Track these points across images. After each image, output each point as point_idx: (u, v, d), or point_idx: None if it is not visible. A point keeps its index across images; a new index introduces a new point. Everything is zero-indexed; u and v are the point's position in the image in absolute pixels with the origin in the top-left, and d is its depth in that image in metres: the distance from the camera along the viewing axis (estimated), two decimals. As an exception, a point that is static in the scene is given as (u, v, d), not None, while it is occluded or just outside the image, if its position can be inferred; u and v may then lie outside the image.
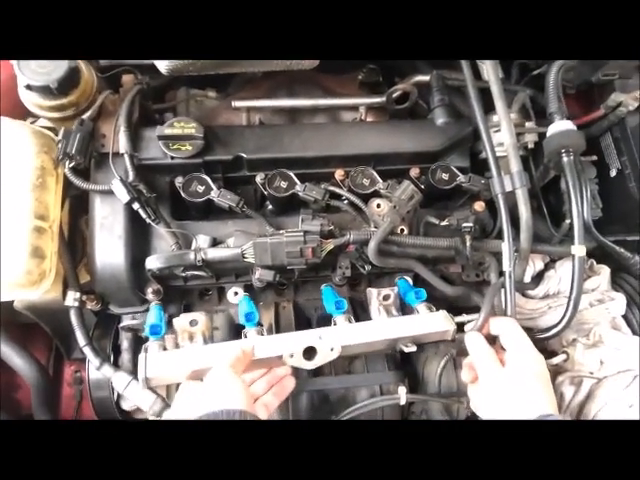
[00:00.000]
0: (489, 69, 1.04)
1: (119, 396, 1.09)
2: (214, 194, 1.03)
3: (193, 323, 1.00)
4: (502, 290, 1.01)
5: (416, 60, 1.31)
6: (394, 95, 1.19)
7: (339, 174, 1.10)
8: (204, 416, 0.73)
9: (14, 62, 0.93)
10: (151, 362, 0.88)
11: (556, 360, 1.06)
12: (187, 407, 0.80)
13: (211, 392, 0.79)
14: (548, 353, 1.12)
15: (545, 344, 1.10)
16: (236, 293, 1.10)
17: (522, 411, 0.79)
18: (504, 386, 0.84)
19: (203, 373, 0.86)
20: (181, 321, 1.00)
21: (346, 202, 1.08)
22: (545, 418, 0.76)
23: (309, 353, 0.91)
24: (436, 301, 1.05)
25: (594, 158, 1.20)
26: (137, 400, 1.02)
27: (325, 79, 1.33)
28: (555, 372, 1.07)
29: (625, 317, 1.15)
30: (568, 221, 1.14)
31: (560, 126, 1.04)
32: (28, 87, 0.95)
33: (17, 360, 1.10)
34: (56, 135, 1.03)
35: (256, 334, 0.96)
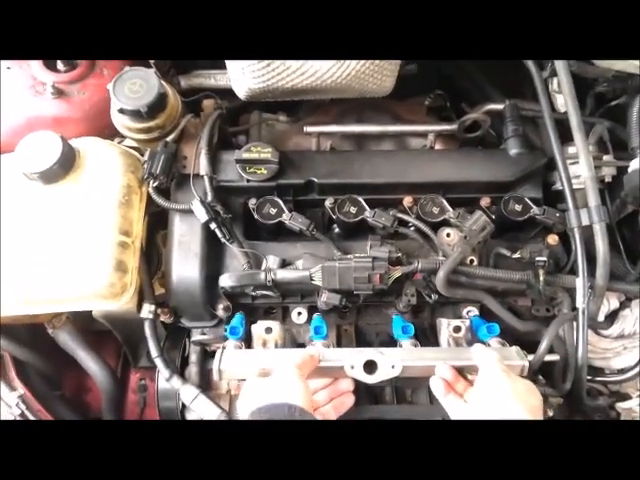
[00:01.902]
0: (567, 100, 1.03)
1: (184, 407, 1.12)
2: (286, 217, 1.06)
3: (268, 331, 1.03)
4: (574, 326, 0.99)
5: (485, 86, 1.31)
6: (466, 124, 1.19)
7: (408, 201, 1.10)
8: (265, 407, 0.78)
9: (110, 87, 1.01)
10: (226, 357, 0.94)
11: (630, 404, 1.02)
12: (251, 398, 0.85)
13: (276, 385, 0.84)
14: (621, 396, 1.07)
15: (619, 386, 1.06)
16: (300, 313, 1.12)
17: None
18: (477, 402, 0.86)
19: (271, 372, 0.90)
20: (258, 327, 1.04)
21: (413, 229, 1.09)
22: None
23: (370, 367, 0.92)
24: (501, 335, 1.03)
25: (677, 195, 1.14)
26: (202, 413, 1.05)
27: (393, 105, 1.34)
28: (628, 417, 1.02)
29: None
30: (646, 258, 1.09)
31: (643, 162, 1.01)
32: (121, 111, 1.02)
33: (93, 366, 1.16)
34: (141, 155, 1.09)
35: (322, 346, 0.99)
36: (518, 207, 1.06)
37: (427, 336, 1.14)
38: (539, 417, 0.81)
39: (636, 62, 1.04)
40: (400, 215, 1.07)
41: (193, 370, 1.10)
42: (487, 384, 0.86)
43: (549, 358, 0.96)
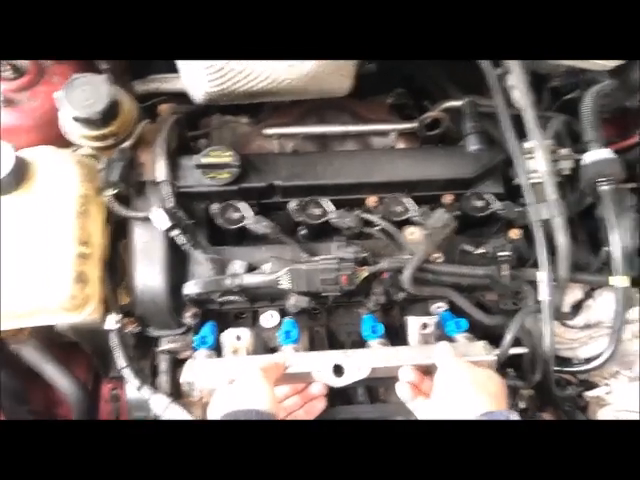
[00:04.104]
0: (522, 97, 1.04)
1: (156, 417, 1.10)
2: (249, 221, 1.05)
3: (238, 338, 1.03)
4: (541, 319, 1.00)
5: (445, 83, 1.31)
6: (426, 122, 1.19)
7: (372, 201, 1.10)
8: (232, 414, 0.77)
9: (59, 95, 0.97)
10: (196, 367, 0.93)
11: (597, 392, 1.04)
12: (218, 405, 0.84)
13: (241, 391, 0.83)
14: (589, 384, 1.09)
15: (586, 375, 1.08)
16: (271, 316, 1.11)
17: (461, 414, 0.79)
18: (438, 398, 0.86)
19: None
20: (228, 335, 1.03)
21: (378, 229, 1.08)
22: (488, 417, 0.76)
23: (337, 370, 0.92)
24: (471, 329, 1.04)
25: (633, 185, 1.16)
26: (173, 424, 1.03)
27: (354, 104, 1.33)
28: (597, 405, 1.04)
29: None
30: (606, 248, 1.11)
31: (598, 155, 1.02)
32: (74, 119, 0.98)
33: (60, 380, 1.13)
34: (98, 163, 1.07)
35: (292, 351, 0.99)
36: (479, 203, 1.07)
37: (398, 334, 1.14)
38: (501, 403, 0.80)
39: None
40: (365, 215, 1.07)
41: (163, 379, 1.08)
42: (445, 377, 0.86)
43: (515, 351, 0.97)
